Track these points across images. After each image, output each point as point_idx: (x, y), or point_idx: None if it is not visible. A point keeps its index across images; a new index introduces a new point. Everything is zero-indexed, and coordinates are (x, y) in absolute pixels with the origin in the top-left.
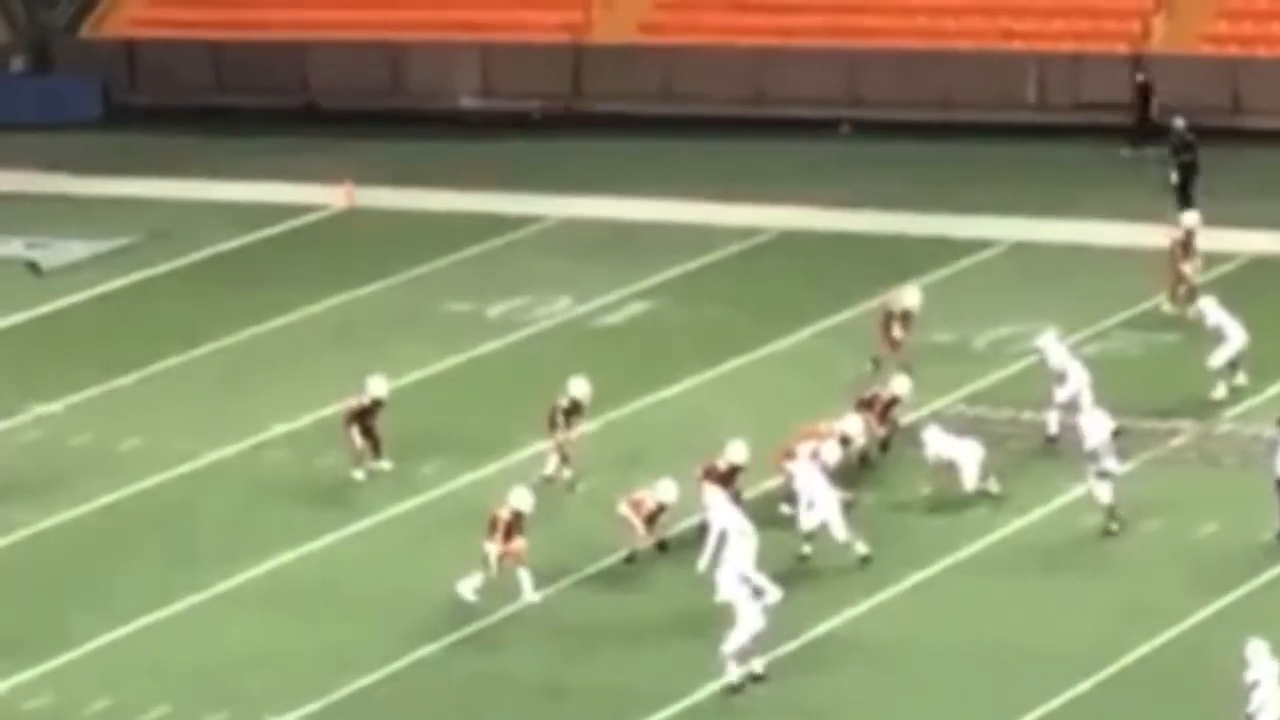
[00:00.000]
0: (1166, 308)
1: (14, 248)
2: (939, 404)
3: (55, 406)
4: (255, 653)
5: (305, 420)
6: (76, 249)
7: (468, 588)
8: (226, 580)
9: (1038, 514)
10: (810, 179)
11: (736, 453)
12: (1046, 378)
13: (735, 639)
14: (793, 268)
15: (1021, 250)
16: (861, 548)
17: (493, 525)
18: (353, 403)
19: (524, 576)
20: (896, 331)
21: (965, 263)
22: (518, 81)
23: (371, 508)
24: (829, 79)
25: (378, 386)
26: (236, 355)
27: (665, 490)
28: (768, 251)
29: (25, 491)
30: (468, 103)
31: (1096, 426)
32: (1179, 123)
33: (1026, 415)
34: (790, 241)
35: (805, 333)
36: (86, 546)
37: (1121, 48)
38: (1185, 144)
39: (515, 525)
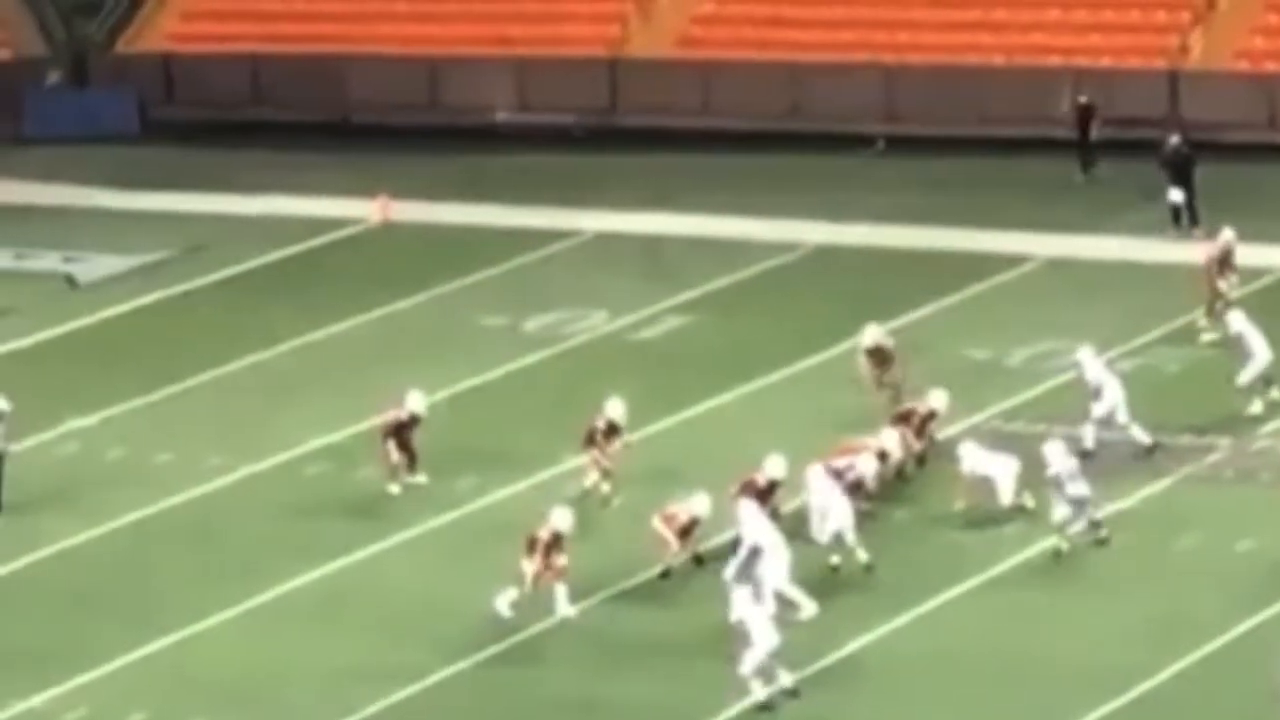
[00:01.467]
0: (1203, 324)
1: (51, 261)
2: (975, 420)
3: (90, 420)
4: (290, 667)
5: (341, 434)
6: (113, 263)
7: (504, 603)
8: (262, 594)
9: (1073, 529)
10: (846, 194)
11: (775, 468)
12: (1083, 393)
13: (752, 658)
14: (828, 283)
15: (1057, 266)
16: (863, 555)
17: (531, 545)
18: (390, 417)
19: (560, 592)
20: (865, 370)
21: (1001, 278)
22: (554, 96)
23: (407, 522)
24: (865, 94)
25: (416, 401)
26: (272, 370)
27: (698, 504)
28: (803, 266)
29: (60, 505)
30: (504, 117)
31: (1057, 454)
32: (1174, 140)
33: (1062, 431)
34: (826, 257)
35: (840, 348)
36: (121, 560)
37: (1159, 63)
38: (1184, 159)
39: (555, 545)
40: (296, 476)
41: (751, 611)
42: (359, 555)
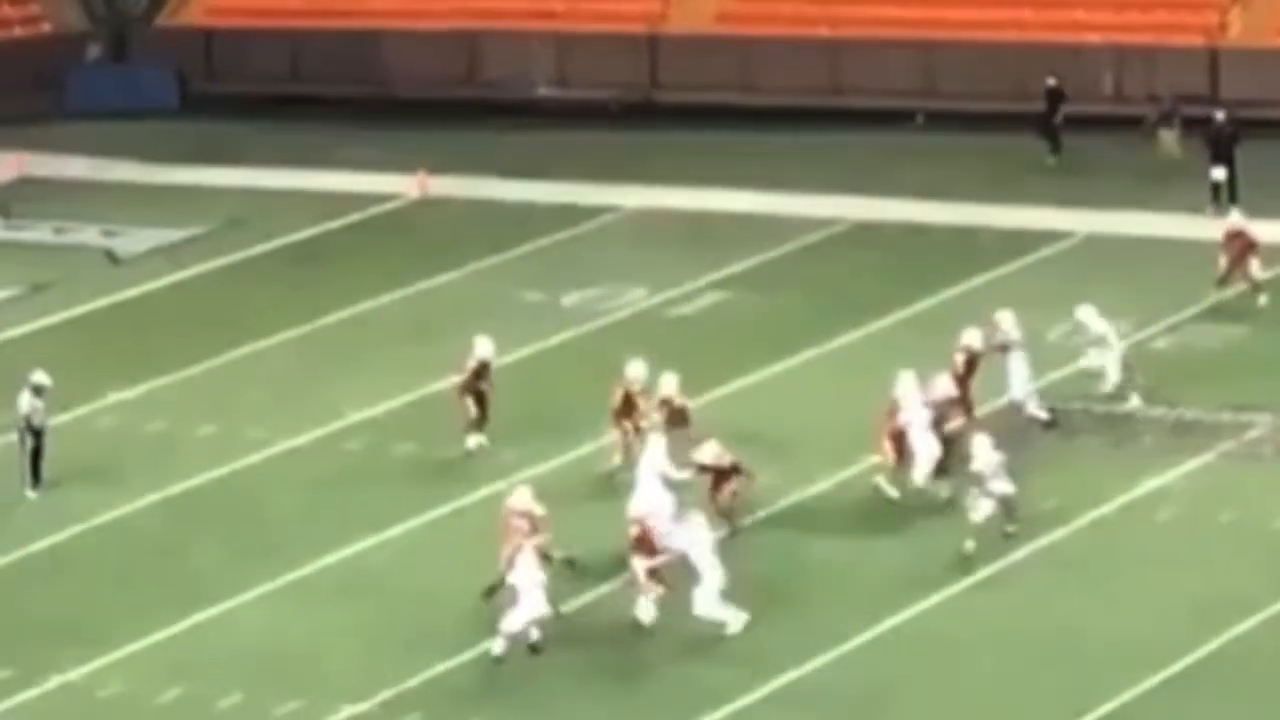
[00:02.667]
0: (1262, 300)
1: (91, 235)
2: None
3: (130, 394)
4: (329, 641)
5: (379, 409)
6: (152, 237)
7: (645, 613)
8: (300, 568)
9: (1111, 506)
10: (885, 170)
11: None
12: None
13: (514, 620)
14: (867, 259)
15: (1095, 242)
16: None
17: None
18: (464, 368)
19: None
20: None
21: (1039, 254)
22: (594, 72)
23: (446, 496)
24: (904, 70)
25: (484, 348)
26: (311, 344)
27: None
28: (842, 242)
29: (100, 479)
30: (543, 92)
31: (983, 449)
32: (1219, 116)
33: (1099, 408)
34: (865, 232)
35: (880, 324)
36: (160, 534)
37: (1198, 40)
38: (1228, 137)
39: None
40: (335, 451)
41: (530, 579)
42: (398, 529)
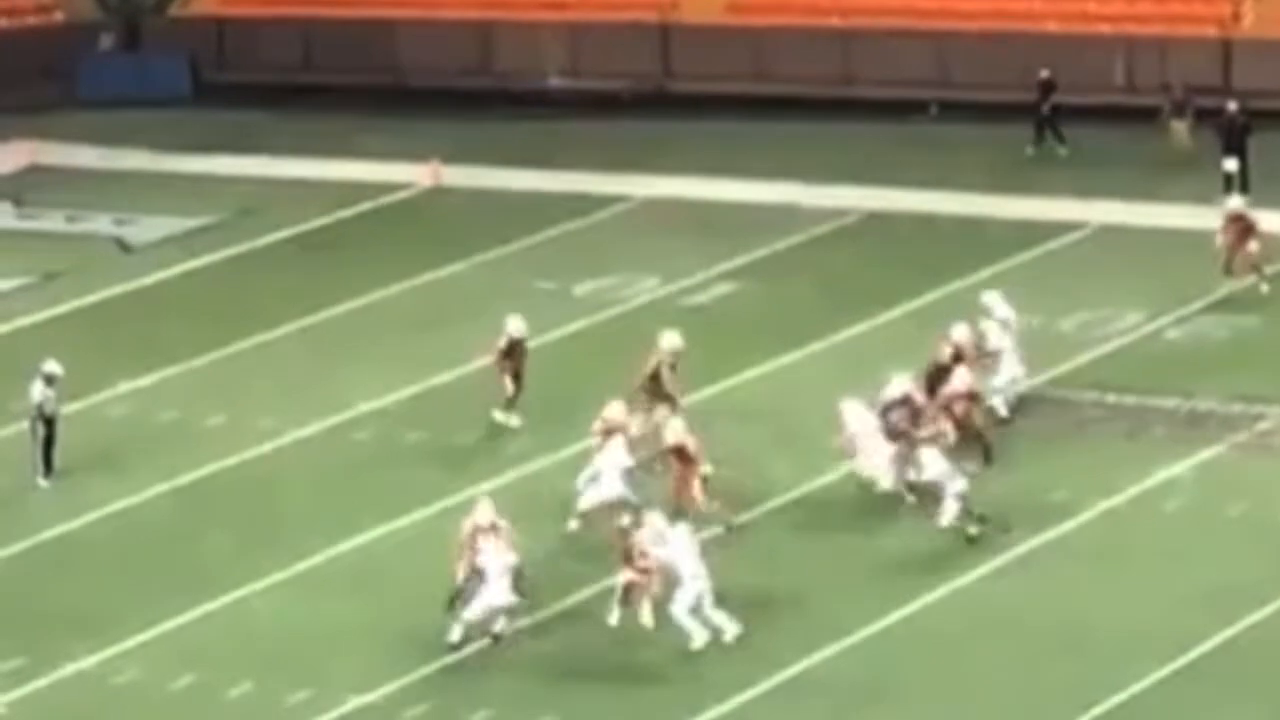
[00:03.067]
0: (1264, 288)
1: (102, 224)
2: (1024, 386)
3: (142, 383)
4: (339, 631)
5: (390, 398)
6: (164, 225)
7: (647, 616)
8: (311, 558)
9: (1122, 497)
10: (898, 160)
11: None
12: (1128, 361)
13: (476, 608)
14: (880, 249)
15: (1108, 233)
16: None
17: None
18: (496, 345)
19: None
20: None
21: (1051, 245)
22: (606, 61)
23: (457, 486)
24: (917, 60)
25: (515, 326)
26: (322, 333)
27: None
28: (854, 233)
29: (111, 467)
30: (556, 82)
31: (932, 459)
32: (1232, 107)
33: (1111, 398)
34: (877, 223)
35: (892, 314)
36: (172, 523)
37: (1211, 31)
38: (1241, 128)
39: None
40: (345, 440)
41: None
42: (408, 519)
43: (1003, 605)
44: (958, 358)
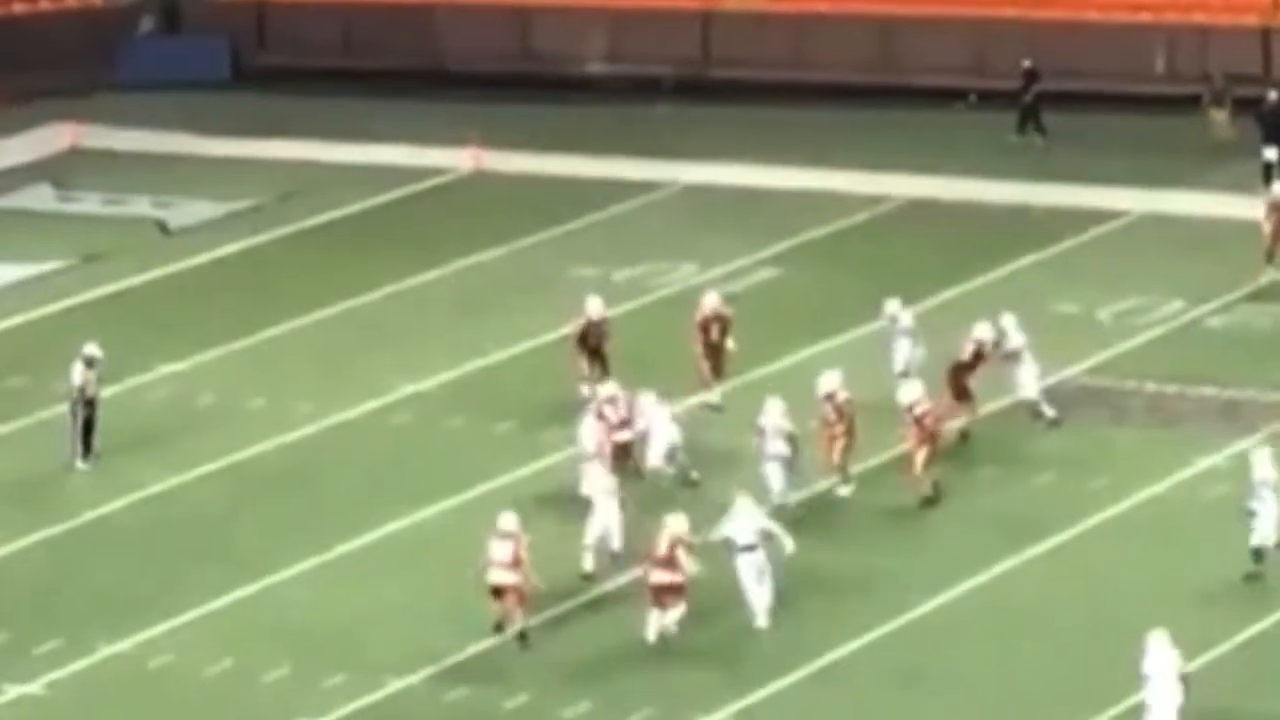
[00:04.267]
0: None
1: (142, 207)
2: (1064, 374)
3: (181, 366)
4: (377, 615)
5: (430, 382)
6: (204, 209)
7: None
8: (350, 542)
9: (1162, 485)
10: (938, 147)
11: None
12: (1168, 349)
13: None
14: (919, 237)
15: (1147, 222)
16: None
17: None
18: (573, 326)
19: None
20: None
21: (1091, 234)
22: (647, 47)
23: (495, 471)
24: (957, 48)
25: (593, 307)
26: (362, 317)
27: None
28: (894, 220)
29: (151, 450)
30: (596, 68)
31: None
32: (1273, 96)
33: (1152, 387)
34: (917, 210)
35: (931, 302)
36: (211, 506)
37: (1252, 20)
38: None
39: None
40: (384, 425)
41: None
42: (446, 504)
43: (1038, 594)
44: (979, 355)
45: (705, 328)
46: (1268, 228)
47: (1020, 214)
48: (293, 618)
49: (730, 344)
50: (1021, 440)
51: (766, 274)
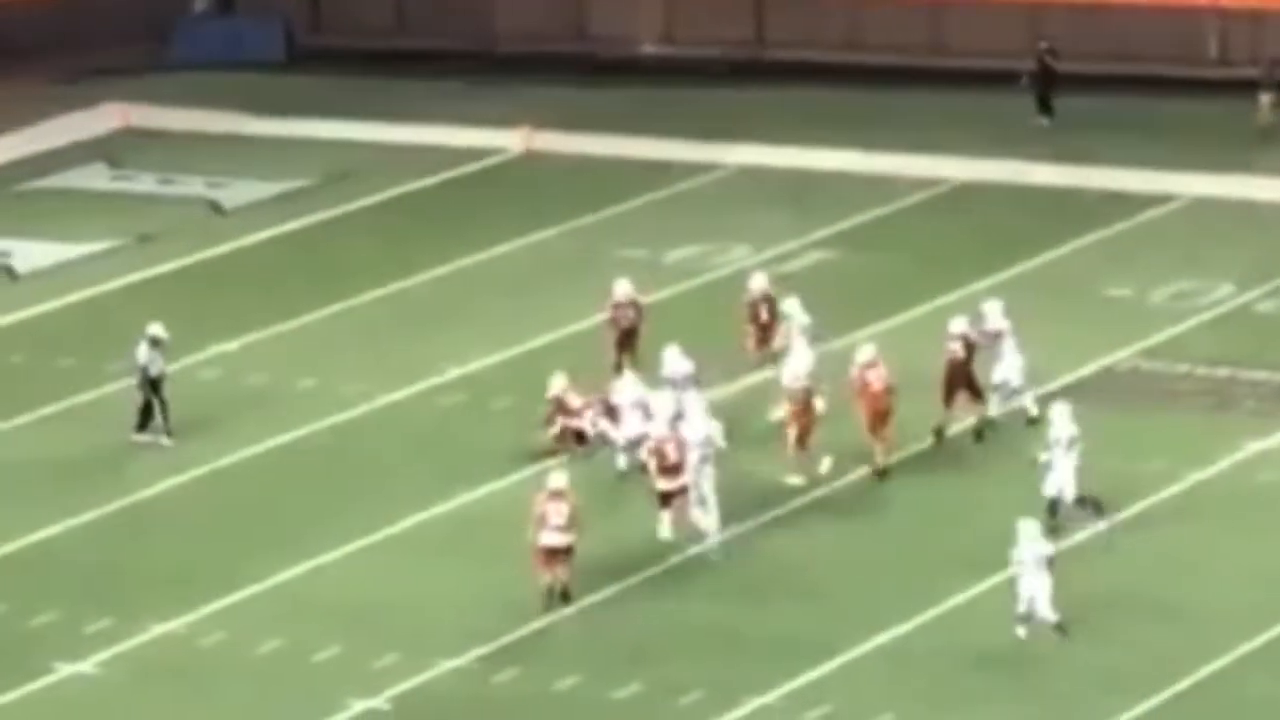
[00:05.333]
0: None
1: (196, 187)
2: (1115, 358)
3: (233, 345)
4: (428, 595)
5: (479, 364)
6: (257, 189)
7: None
8: (399, 522)
9: (1213, 469)
10: (990, 130)
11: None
12: (1219, 333)
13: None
14: (971, 220)
15: (1199, 206)
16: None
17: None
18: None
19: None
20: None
21: (1143, 217)
22: (700, 29)
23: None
24: (1009, 31)
25: (621, 290)
26: (413, 297)
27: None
28: (946, 203)
29: (201, 430)
30: (650, 49)
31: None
32: None
33: (1202, 371)
34: (969, 193)
35: (981, 285)
36: (261, 486)
37: None
38: None
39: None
40: (434, 405)
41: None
42: (495, 485)
43: (1093, 576)
44: (970, 348)
45: (755, 309)
46: None
47: (1072, 197)
48: (343, 598)
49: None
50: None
51: (819, 256)
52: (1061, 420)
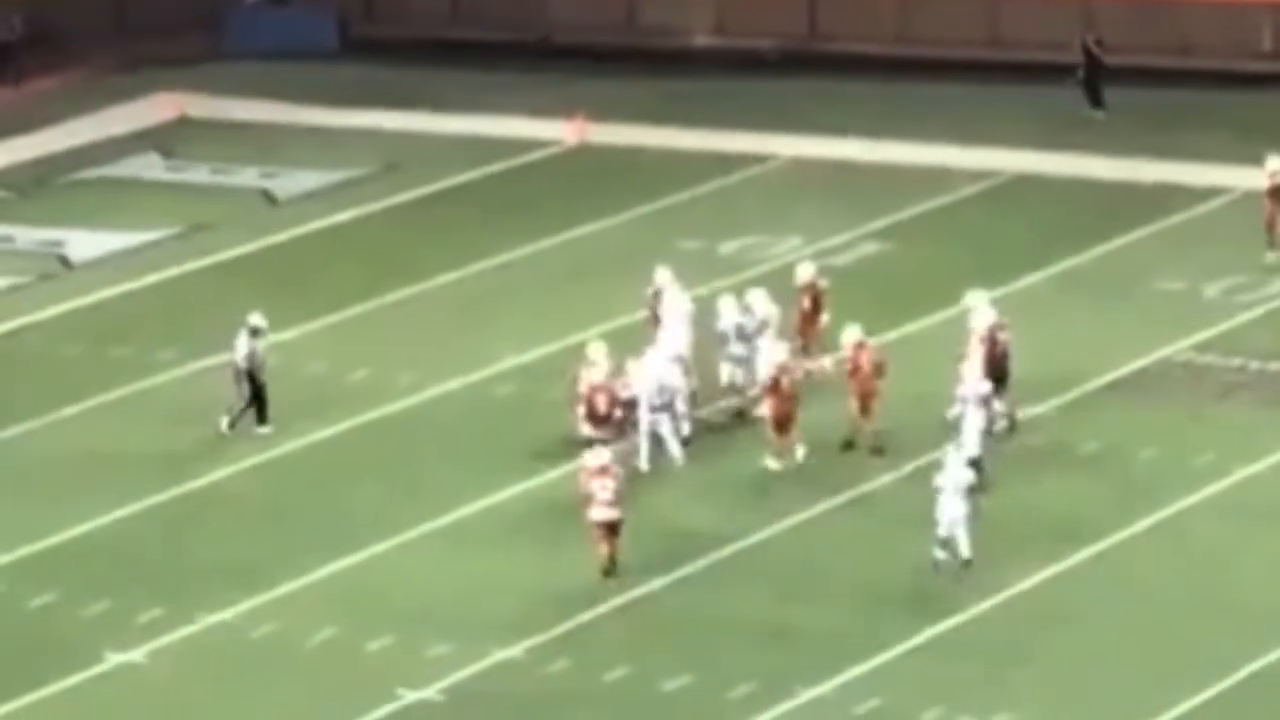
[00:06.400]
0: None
1: (249, 177)
2: (1169, 351)
3: (287, 335)
4: (479, 585)
5: (534, 354)
6: (310, 179)
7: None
8: (453, 512)
9: (1265, 463)
10: (1045, 123)
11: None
12: (1272, 327)
13: None
14: (1025, 212)
15: (1253, 199)
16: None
17: None
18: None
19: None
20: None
21: (1197, 210)
22: (752, 21)
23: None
24: (1065, 24)
25: (661, 277)
26: (466, 288)
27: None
28: (1000, 195)
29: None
30: (702, 40)
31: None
32: None
33: (1255, 364)
34: (1023, 186)
35: (1035, 277)
36: (315, 476)
37: None
38: None
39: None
40: (487, 396)
41: None
42: (548, 475)
43: (1145, 570)
44: (993, 341)
45: (799, 297)
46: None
47: (1126, 190)
48: (395, 588)
49: (825, 317)
50: (1124, 416)
51: (871, 248)
52: (973, 376)
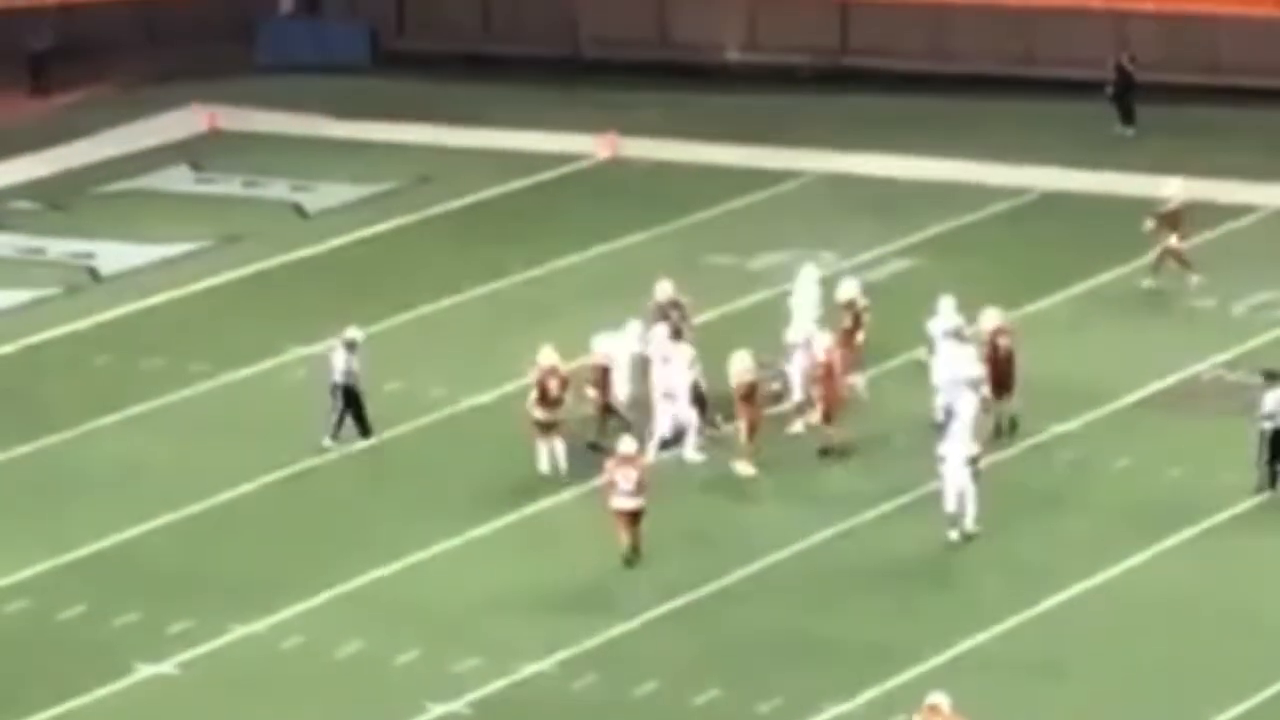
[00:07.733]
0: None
1: (280, 190)
2: (1198, 367)
3: (317, 348)
4: (509, 599)
5: (565, 368)
6: (341, 192)
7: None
8: (482, 526)
9: None
10: (1076, 139)
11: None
12: None
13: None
14: (1057, 228)
15: None
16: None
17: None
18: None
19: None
20: None
21: (1228, 227)
22: (784, 36)
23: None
24: (1097, 40)
25: (662, 290)
26: (497, 302)
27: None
28: (1032, 212)
29: (285, 432)
30: (734, 56)
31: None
32: None
33: None
34: (1055, 202)
35: (1067, 294)
36: (344, 489)
37: None
38: None
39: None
40: (519, 410)
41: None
42: (580, 488)
43: (1173, 586)
44: (995, 347)
45: (839, 314)
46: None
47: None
48: (424, 601)
49: (861, 335)
50: (1153, 433)
51: (903, 264)
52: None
